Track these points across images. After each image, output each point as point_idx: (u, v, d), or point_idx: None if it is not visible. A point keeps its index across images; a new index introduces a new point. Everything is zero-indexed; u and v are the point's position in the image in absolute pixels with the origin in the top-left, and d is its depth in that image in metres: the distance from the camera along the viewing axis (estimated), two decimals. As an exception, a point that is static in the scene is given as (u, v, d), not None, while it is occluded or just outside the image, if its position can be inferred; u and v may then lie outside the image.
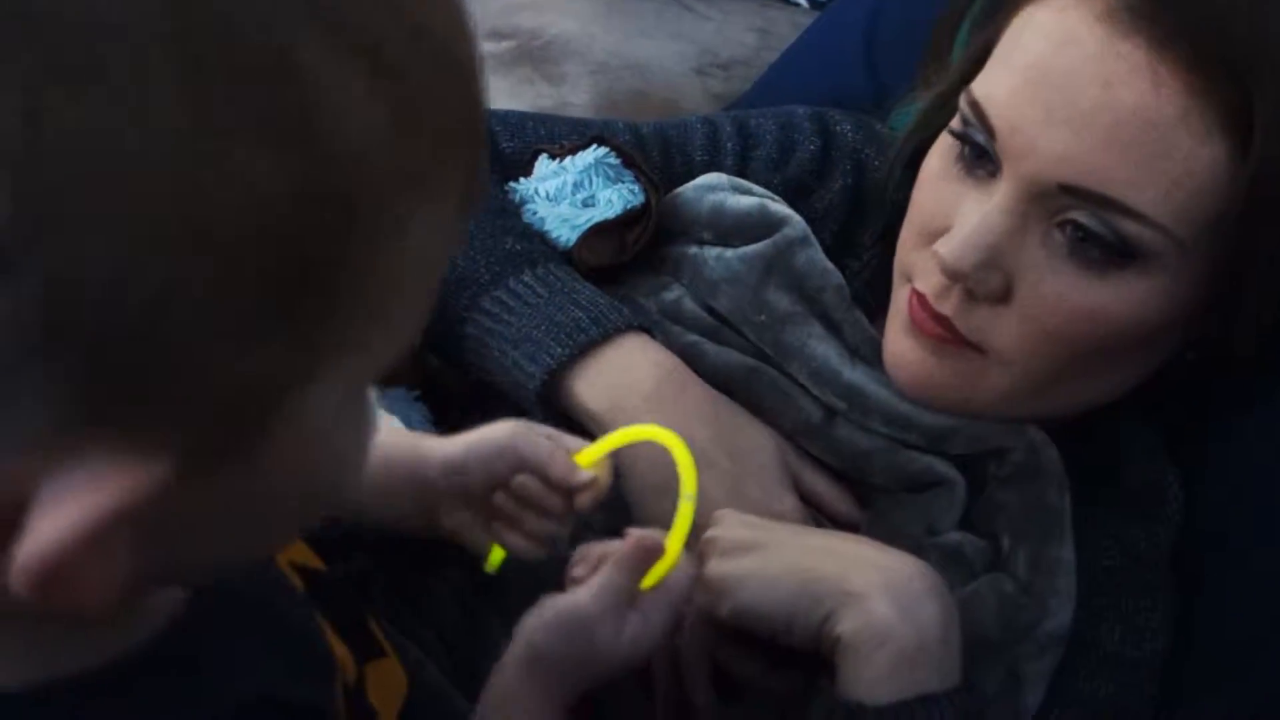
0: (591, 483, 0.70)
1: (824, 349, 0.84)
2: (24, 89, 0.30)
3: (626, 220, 0.89)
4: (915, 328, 0.79)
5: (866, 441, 0.83)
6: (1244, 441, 0.81)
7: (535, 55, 1.55)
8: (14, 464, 0.33)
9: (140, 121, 0.31)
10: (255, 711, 0.45)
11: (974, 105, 0.76)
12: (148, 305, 0.32)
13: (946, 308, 0.77)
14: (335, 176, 0.33)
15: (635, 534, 0.68)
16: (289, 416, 0.36)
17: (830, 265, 0.87)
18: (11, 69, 0.30)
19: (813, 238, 0.88)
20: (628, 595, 0.65)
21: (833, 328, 0.86)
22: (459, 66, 0.37)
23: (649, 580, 0.67)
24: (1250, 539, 0.79)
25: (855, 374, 0.83)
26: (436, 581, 0.81)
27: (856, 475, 0.83)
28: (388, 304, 0.37)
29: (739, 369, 0.85)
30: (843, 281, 0.87)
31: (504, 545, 0.71)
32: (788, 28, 1.59)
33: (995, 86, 0.75)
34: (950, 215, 0.77)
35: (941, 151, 0.80)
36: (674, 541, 0.67)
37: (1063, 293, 0.74)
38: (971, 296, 0.76)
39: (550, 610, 0.64)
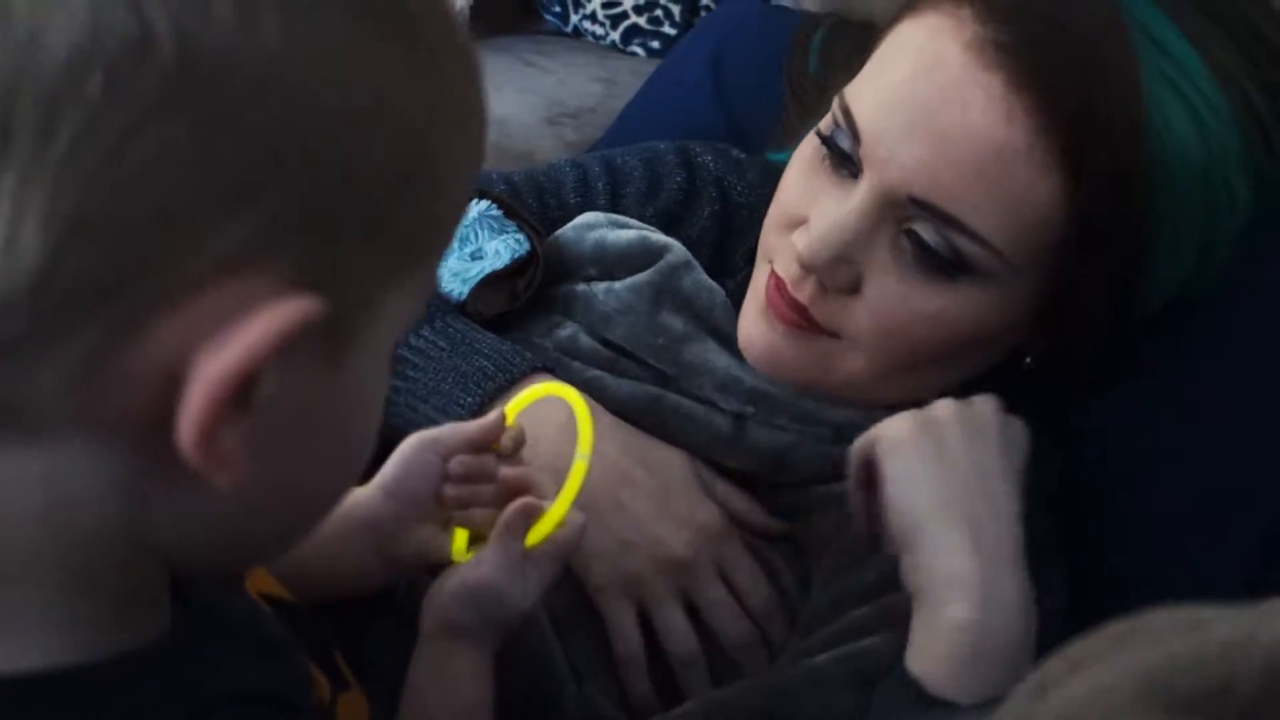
0: (516, 430, 0.76)
1: (723, 360, 0.89)
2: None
3: (515, 269, 0.92)
4: (770, 311, 0.84)
5: (782, 438, 0.86)
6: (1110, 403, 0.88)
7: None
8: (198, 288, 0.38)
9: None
10: (249, 706, 0.48)
11: (845, 111, 0.81)
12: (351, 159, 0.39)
13: (803, 295, 0.82)
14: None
15: (519, 501, 0.73)
16: (371, 321, 0.42)
17: (714, 284, 0.92)
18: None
19: (694, 261, 0.92)
20: (520, 555, 0.72)
21: (726, 341, 0.90)
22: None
23: (533, 538, 0.72)
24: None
25: (757, 379, 0.87)
26: (373, 633, 0.83)
27: (776, 474, 0.87)
28: (448, 217, 0.45)
29: (642, 398, 0.88)
30: (726, 299, 0.91)
31: (465, 525, 0.74)
32: (629, 75, 1.65)
33: (865, 98, 0.80)
34: (810, 206, 0.82)
35: (810, 145, 0.85)
36: (561, 500, 0.72)
37: (906, 295, 0.79)
38: (823, 287, 0.81)
39: (457, 582, 0.71)
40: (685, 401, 0.88)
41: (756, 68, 1.13)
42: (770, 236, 0.86)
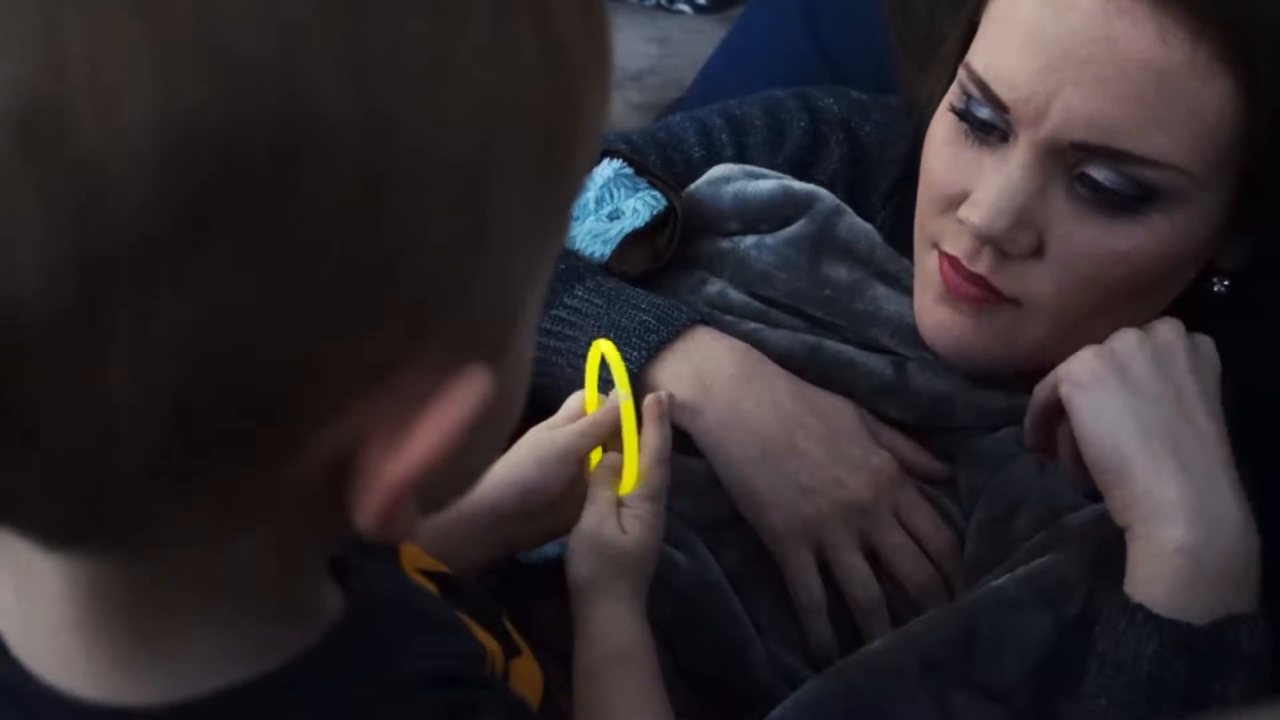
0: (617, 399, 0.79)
1: (894, 306, 0.87)
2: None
3: (655, 226, 0.91)
4: (950, 293, 0.81)
5: (945, 385, 0.85)
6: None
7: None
8: (362, 398, 0.36)
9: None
10: (430, 690, 0.47)
11: (978, 82, 0.78)
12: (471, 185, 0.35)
13: (981, 267, 0.79)
14: (568, 66, 0.37)
15: (607, 457, 0.78)
16: (522, 319, 0.41)
17: (868, 225, 0.90)
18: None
19: (844, 205, 0.91)
20: (611, 501, 0.76)
21: (893, 281, 0.89)
22: None
23: (624, 489, 0.77)
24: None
25: None
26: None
27: (938, 422, 0.86)
28: (578, 180, 0.40)
29: (800, 348, 0.87)
30: (883, 239, 0.90)
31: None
32: (681, 33, 1.63)
33: (997, 60, 0.77)
34: (967, 181, 0.79)
35: (946, 122, 0.82)
36: (629, 448, 0.77)
37: (1094, 239, 0.77)
38: (1004, 254, 0.78)
39: (569, 548, 0.74)
40: (845, 348, 0.87)
41: (853, 13, 1.11)
42: (928, 221, 0.83)
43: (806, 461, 0.82)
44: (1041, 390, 0.76)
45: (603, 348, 0.80)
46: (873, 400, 0.87)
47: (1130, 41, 0.73)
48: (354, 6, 0.32)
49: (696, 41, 1.57)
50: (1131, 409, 0.72)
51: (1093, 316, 0.80)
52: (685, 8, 1.73)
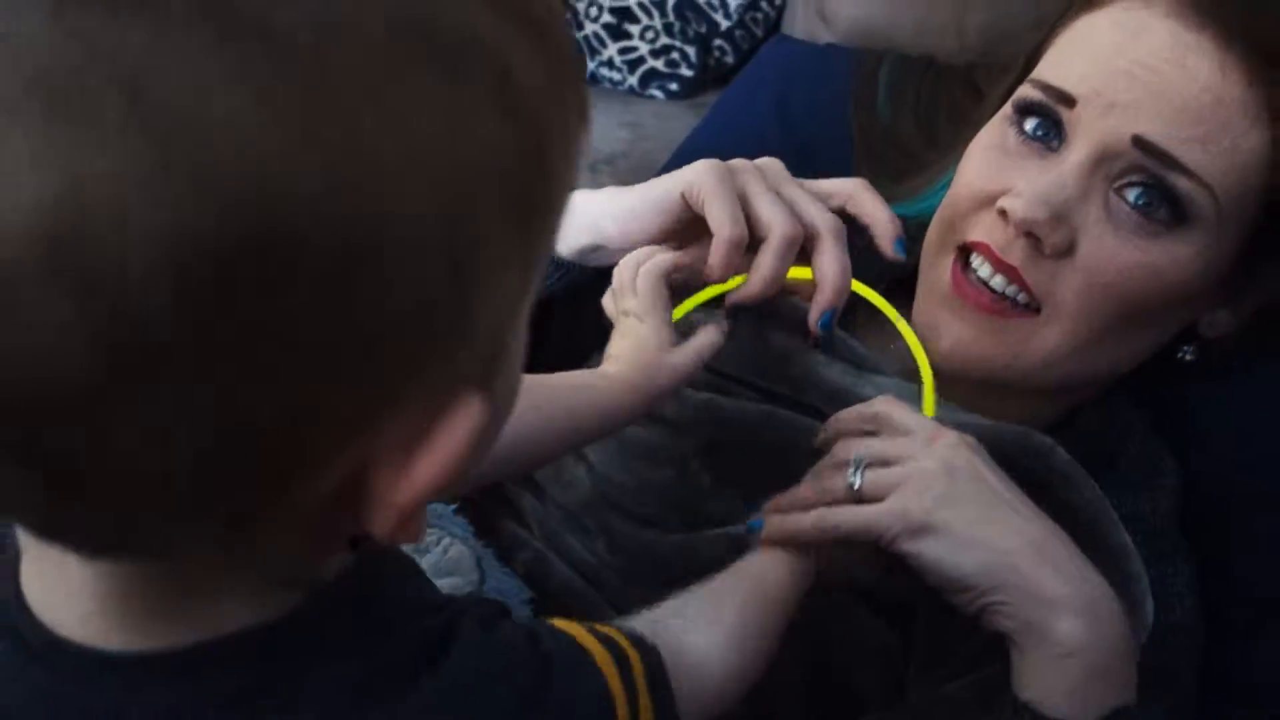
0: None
1: (830, 373, 0.90)
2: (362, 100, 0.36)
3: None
4: (959, 300, 0.85)
5: None
6: (1229, 410, 0.90)
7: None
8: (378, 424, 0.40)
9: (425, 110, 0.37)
10: (419, 618, 0.50)
11: (1044, 86, 0.84)
12: (462, 251, 0.39)
13: (1014, 257, 0.83)
14: (532, 122, 0.40)
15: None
16: (517, 325, 0.45)
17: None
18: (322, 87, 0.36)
19: None
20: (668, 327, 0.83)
21: (833, 352, 0.91)
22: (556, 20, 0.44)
23: (678, 313, 0.84)
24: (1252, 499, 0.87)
25: (868, 388, 0.88)
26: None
27: None
28: (559, 211, 0.43)
29: (755, 416, 0.89)
30: None
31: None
32: (652, 118, 1.67)
33: (1068, 68, 0.84)
34: (1009, 180, 0.84)
35: (997, 129, 0.87)
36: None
37: (1121, 249, 0.82)
38: (1036, 250, 0.83)
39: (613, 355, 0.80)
40: (797, 416, 0.89)
41: (821, 106, 1.16)
42: (959, 220, 0.87)
43: None
44: (881, 549, 0.73)
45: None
46: None
47: (1197, 66, 0.80)
48: (320, 121, 0.36)
49: (668, 126, 1.62)
50: (985, 536, 0.71)
51: (1100, 338, 0.84)
52: (658, 94, 1.78)
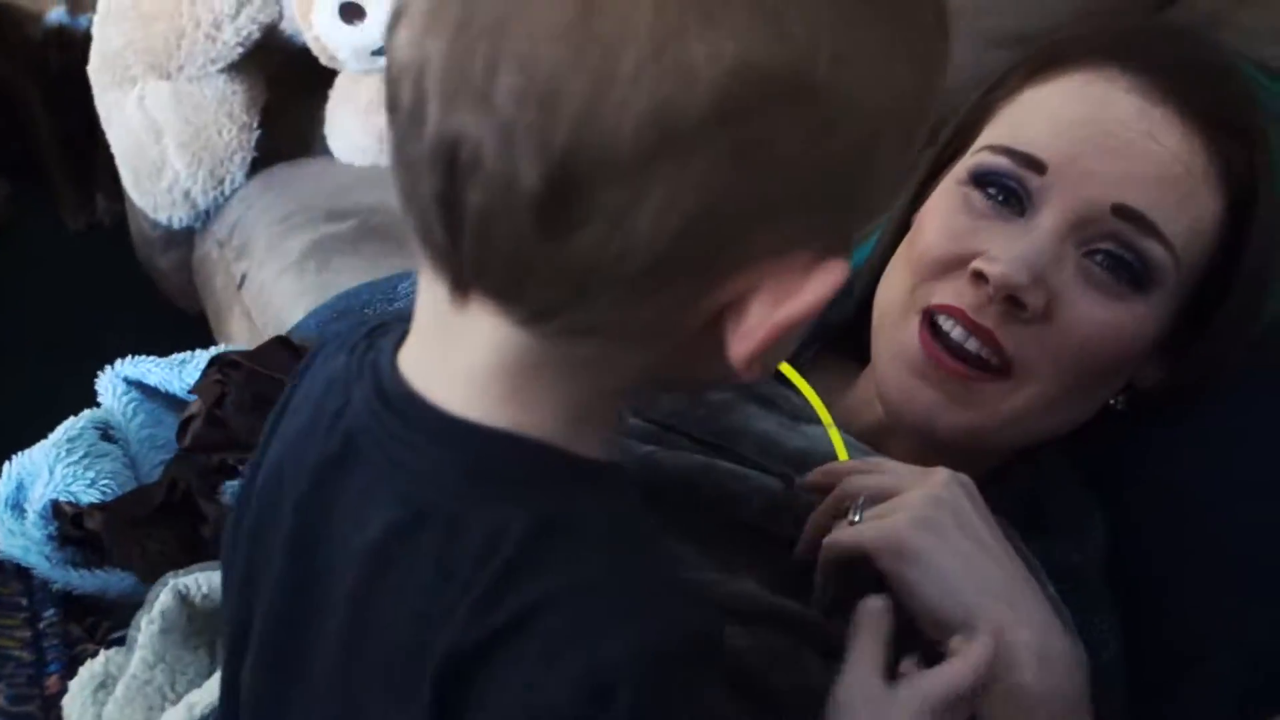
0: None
1: (763, 424, 0.89)
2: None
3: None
4: (930, 362, 0.85)
5: None
6: (1155, 463, 0.91)
7: (379, 230, 1.60)
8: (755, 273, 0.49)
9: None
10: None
11: (1011, 152, 0.85)
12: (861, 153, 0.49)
13: (988, 320, 0.83)
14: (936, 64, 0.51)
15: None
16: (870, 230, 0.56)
17: None
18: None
19: None
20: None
21: (765, 403, 0.91)
22: None
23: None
24: (1177, 549, 0.88)
25: (799, 439, 0.87)
26: None
27: None
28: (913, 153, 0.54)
29: (695, 468, 0.87)
30: None
31: None
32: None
33: (1029, 134, 0.85)
34: (979, 244, 0.84)
35: (955, 193, 0.87)
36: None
37: (1093, 310, 0.83)
38: (1011, 313, 0.83)
39: None
40: (735, 467, 0.87)
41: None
42: (922, 284, 0.86)
43: None
44: (833, 549, 0.75)
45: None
46: (766, 517, 0.86)
47: (1165, 138, 0.83)
48: (851, 17, 0.47)
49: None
50: (962, 568, 0.72)
51: (1065, 397, 0.86)
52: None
